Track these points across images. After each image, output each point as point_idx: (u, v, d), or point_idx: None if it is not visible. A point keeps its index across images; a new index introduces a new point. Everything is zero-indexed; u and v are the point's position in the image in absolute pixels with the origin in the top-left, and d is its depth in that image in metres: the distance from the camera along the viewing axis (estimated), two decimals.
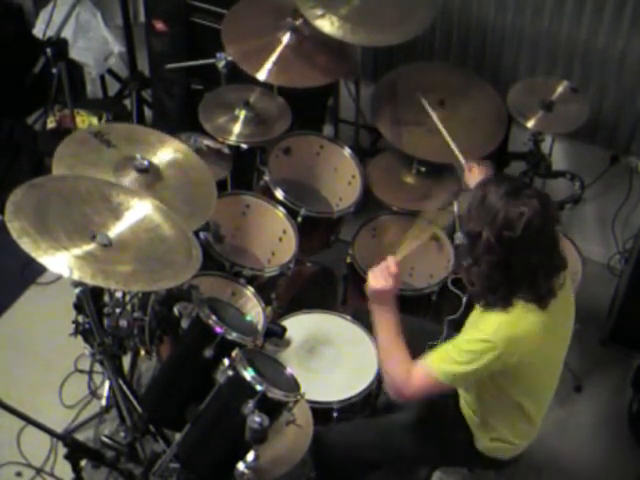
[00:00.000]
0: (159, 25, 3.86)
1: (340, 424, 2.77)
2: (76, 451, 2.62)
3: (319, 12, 3.25)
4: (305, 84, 3.36)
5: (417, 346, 2.79)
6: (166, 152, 2.80)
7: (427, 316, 3.24)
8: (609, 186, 3.75)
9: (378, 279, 2.46)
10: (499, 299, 2.31)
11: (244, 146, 3.33)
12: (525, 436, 2.62)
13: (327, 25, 3.22)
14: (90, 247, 2.23)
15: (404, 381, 2.38)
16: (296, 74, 3.35)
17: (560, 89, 3.32)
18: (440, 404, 2.62)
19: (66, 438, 2.62)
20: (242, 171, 3.47)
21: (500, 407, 2.49)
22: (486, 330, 2.31)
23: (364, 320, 3.00)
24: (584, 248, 3.32)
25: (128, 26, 4.19)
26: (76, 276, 2.12)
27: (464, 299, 2.80)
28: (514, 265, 2.26)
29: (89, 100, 4.62)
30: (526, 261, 2.26)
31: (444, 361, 2.35)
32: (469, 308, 2.64)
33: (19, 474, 3.16)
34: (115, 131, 2.76)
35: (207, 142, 3.28)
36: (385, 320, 2.47)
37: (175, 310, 2.61)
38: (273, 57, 3.34)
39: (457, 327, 2.66)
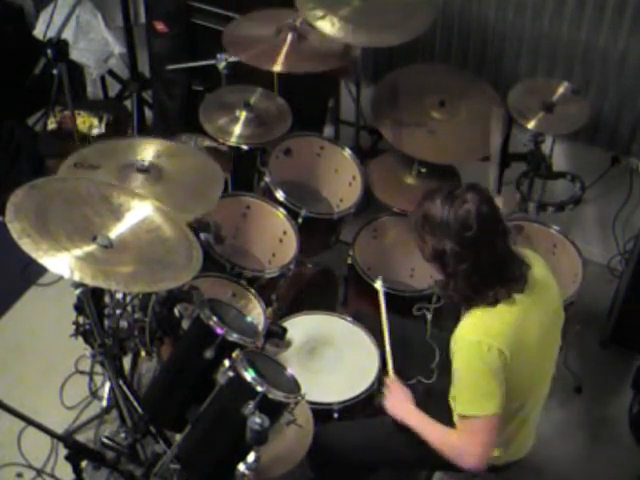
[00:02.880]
0: (160, 26, 3.87)
1: (338, 424, 2.77)
2: (77, 452, 2.62)
3: (320, 13, 3.25)
4: (316, 69, 3.36)
5: (414, 352, 2.82)
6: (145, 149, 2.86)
7: None
8: (609, 187, 3.75)
9: (394, 403, 2.59)
10: (480, 300, 2.34)
11: (245, 147, 3.34)
12: (515, 446, 2.61)
13: (328, 26, 3.22)
14: (91, 248, 2.23)
15: (462, 446, 2.38)
16: (306, 60, 3.36)
17: (561, 90, 3.32)
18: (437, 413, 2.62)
19: (67, 439, 2.62)
20: (243, 172, 3.47)
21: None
22: (467, 334, 2.33)
23: (364, 321, 3.01)
24: (584, 249, 3.32)
25: (129, 27, 4.20)
26: (77, 277, 2.12)
27: (429, 317, 2.81)
28: (483, 261, 2.29)
29: (90, 101, 4.63)
30: (493, 250, 2.30)
31: (479, 399, 2.33)
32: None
33: (20, 475, 3.16)
34: (88, 155, 2.77)
35: (208, 143, 3.28)
36: (412, 418, 2.54)
37: (176, 311, 2.62)
38: (284, 50, 3.36)
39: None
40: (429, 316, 2.83)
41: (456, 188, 2.34)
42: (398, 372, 2.78)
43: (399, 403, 2.60)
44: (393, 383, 2.66)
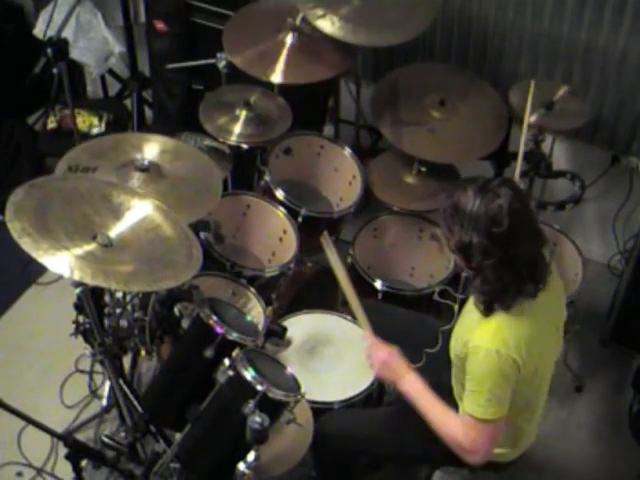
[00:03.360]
0: (160, 25, 3.87)
1: (341, 414, 2.76)
2: (77, 451, 2.62)
3: (320, 12, 3.25)
4: (315, 79, 3.35)
5: (415, 343, 2.82)
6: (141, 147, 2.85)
7: (429, 316, 3.24)
8: (609, 186, 3.75)
9: (376, 362, 2.54)
10: (513, 296, 2.30)
11: (245, 146, 3.34)
12: (522, 442, 2.61)
13: (328, 25, 3.22)
14: (91, 247, 2.23)
15: (467, 443, 2.38)
16: (305, 70, 3.35)
17: (560, 92, 3.31)
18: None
19: (67, 438, 2.62)
20: (243, 171, 3.47)
21: None
22: (486, 342, 2.31)
23: (367, 315, 3.01)
24: (584, 248, 3.32)
25: (129, 26, 4.19)
26: (76, 276, 2.12)
27: (456, 307, 2.80)
28: (517, 257, 2.24)
29: (90, 100, 4.62)
30: (523, 248, 2.25)
31: (490, 404, 2.32)
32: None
33: (20, 474, 3.16)
34: (80, 157, 2.74)
35: (208, 142, 3.28)
36: (411, 387, 2.49)
37: (176, 310, 2.62)
38: (282, 58, 3.35)
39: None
40: (455, 306, 2.81)
41: (491, 181, 2.28)
42: None
43: (383, 362, 2.54)
44: (372, 342, 2.59)
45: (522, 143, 3.01)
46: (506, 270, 2.26)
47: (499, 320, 2.33)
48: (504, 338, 2.30)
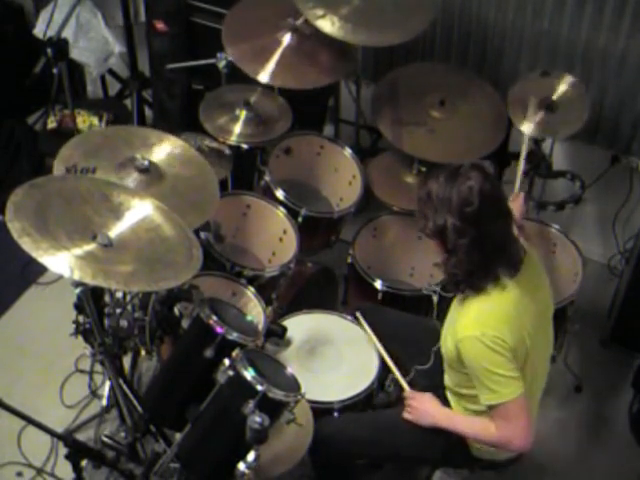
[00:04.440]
0: (160, 25, 3.87)
1: (339, 418, 2.76)
2: (77, 451, 2.62)
3: (320, 12, 3.24)
4: (305, 85, 3.36)
5: (418, 342, 2.84)
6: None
7: (428, 316, 3.24)
8: (609, 186, 3.75)
9: (419, 414, 2.61)
10: (482, 279, 2.37)
11: (245, 146, 3.34)
12: None
13: (328, 25, 3.22)
14: (91, 247, 2.23)
15: (503, 434, 2.42)
16: (296, 75, 3.35)
17: (561, 89, 3.30)
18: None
19: (67, 438, 2.62)
20: (243, 171, 3.47)
21: None
22: (469, 330, 2.36)
23: (365, 316, 3.01)
24: (584, 248, 3.32)
25: (129, 26, 4.19)
26: (77, 276, 2.13)
27: (435, 298, 2.83)
28: (487, 237, 2.33)
29: (90, 100, 4.62)
30: (495, 228, 2.34)
31: (501, 386, 2.36)
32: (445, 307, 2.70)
33: (20, 474, 3.16)
34: (77, 156, 2.72)
35: (208, 142, 3.28)
36: (448, 422, 2.57)
37: (176, 310, 2.62)
38: (274, 59, 3.34)
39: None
40: (435, 298, 2.83)
41: (460, 167, 2.37)
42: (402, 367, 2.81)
43: (424, 412, 2.61)
44: (411, 396, 2.67)
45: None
46: (477, 250, 2.33)
47: (477, 306, 2.39)
48: (484, 320, 2.36)
